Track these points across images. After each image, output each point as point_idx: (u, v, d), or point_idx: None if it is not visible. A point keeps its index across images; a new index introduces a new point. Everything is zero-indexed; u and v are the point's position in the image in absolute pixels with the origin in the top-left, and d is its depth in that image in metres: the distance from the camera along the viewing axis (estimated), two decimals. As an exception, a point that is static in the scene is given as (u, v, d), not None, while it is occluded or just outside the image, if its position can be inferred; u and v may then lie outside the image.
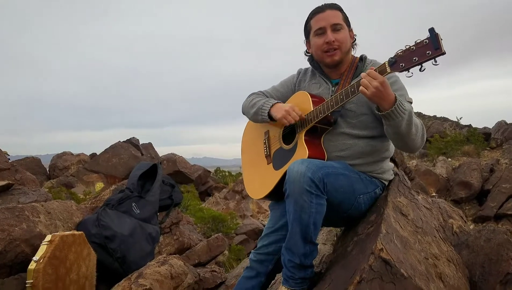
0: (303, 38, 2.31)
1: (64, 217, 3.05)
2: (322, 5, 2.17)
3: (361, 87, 1.79)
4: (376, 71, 1.77)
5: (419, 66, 1.68)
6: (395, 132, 1.87)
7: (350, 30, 2.20)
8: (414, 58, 1.67)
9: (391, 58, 1.75)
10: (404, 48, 1.71)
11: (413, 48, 1.68)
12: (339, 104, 1.97)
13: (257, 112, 2.26)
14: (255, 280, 2.16)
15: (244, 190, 10.29)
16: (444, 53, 1.61)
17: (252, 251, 2.26)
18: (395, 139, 1.94)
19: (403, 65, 1.71)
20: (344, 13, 2.17)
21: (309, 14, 2.21)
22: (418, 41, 1.67)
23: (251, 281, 2.17)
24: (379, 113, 1.84)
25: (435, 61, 1.65)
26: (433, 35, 1.61)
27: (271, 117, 2.20)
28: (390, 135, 1.94)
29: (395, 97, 1.79)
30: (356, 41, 2.23)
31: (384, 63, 1.78)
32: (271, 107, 2.20)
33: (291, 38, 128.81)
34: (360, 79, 1.81)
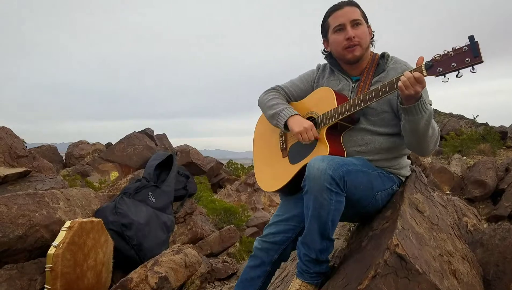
0: (320, 37, 2.28)
1: (83, 204, 3.11)
2: (340, 2, 2.17)
3: (400, 83, 1.76)
4: (411, 72, 1.75)
5: (456, 72, 1.68)
6: (412, 129, 1.87)
7: (369, 26, 2.18)
8: (453, 64, 1.66)
9: (428, 61, 1.74)
10: (441, 53, 1.70)
11: (451, 54, 1.67)
12: (367, 103, 1.95)
13: (274, 117, 2.24)
14: (260, 270, 2.14)
15: (256, 183, 10.32)
16: (482, 62, 1.61)
17: (258, 238, 2.22)
18: (410, 136, 1.94)
19: (441, 70, 1.70)
20: (362, 9, 2.17)
21: (326, 12, 2.20)
22: (456, 47, 1.66)
23: (256, 271, 2.15)
24: (402, 106, 1.84)
25: (473, 69, 1.64)
26: (474, 43, 1.61)
27: (286, 126, 2.18)
28: (406, 132, 1.93)
29: (420, 95, 1.79)
30: (374, 37, 2.22)
31: (421, 66, 1.76)
32: (289, 117, 2.16)
33: (310, 30, 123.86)
34: (396, 78, 1.81)
